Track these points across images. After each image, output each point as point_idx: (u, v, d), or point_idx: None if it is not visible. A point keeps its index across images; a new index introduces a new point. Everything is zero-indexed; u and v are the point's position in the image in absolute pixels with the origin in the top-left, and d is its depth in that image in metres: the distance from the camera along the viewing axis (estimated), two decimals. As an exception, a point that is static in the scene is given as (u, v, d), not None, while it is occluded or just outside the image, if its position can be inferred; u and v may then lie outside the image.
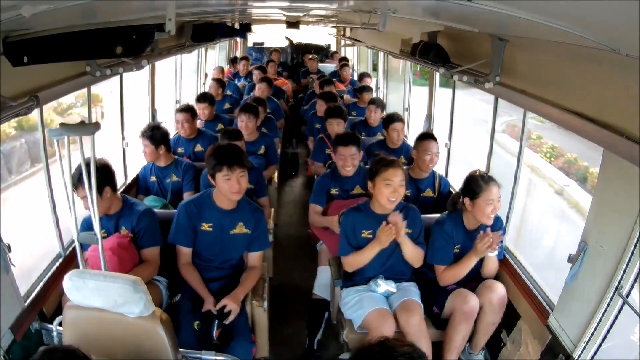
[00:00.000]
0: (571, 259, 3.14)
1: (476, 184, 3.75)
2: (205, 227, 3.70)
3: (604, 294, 2.86)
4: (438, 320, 3.81)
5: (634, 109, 2.18)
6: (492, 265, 3.90)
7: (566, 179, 7.67)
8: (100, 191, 3.33)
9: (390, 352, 1.80)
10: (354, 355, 1.96)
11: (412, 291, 3.84)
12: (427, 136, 4.90)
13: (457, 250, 3.86)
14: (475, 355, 3.92)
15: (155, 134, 4.95)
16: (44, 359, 1.99)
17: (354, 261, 3.82)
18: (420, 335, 3.56)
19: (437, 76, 6.50)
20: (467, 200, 3.80)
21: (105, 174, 3.53)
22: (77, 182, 3.18)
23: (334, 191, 4.83)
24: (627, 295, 2.75)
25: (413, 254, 3.83)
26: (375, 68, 11.55)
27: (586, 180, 7.20)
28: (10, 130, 6.45)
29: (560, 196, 7.49)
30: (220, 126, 7.08)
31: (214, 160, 3.56)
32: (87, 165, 2.78)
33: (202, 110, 6.83)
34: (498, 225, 3.93)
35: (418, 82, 8.89)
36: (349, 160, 4.74)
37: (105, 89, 6.89)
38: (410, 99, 8.48)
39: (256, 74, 9.24)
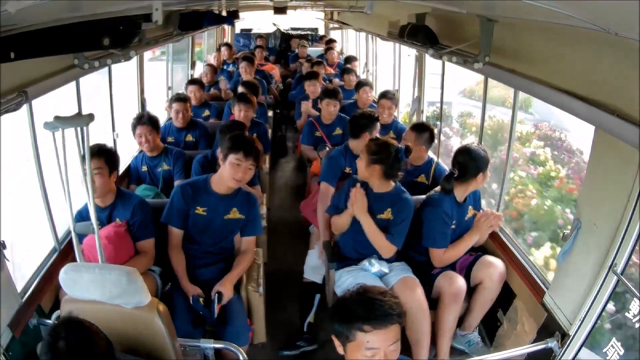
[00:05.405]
0: (565, 237, 3.16)
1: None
2: (200, 210, 3.72)
3: (599, 272, 2.88)
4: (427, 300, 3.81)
5: (625, 88, 2.20)
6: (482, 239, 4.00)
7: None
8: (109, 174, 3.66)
9: (366, 294, 2.14)
10: (336, 303, 2.25)
11: (407, 269, 3.88)
12: (422, 129, 4.82)
13: (454, 226, 3.88)
14: (470, 334, 3.95)
15: (155, 122, 5.02)
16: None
17: (337, 221, 3.95)
18: (422, 311, 3.59)
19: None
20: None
21: (111, 158, 3.73)
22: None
23: (348, 170, 4.77)
24: (622, 272, 2.77)
25: (373, 237, 3.81)
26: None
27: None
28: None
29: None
30: (206, 112, 7.10)
31: (231, 143, 3.57)
32: (83, 156, 2.81)
33: (194, 93, 6.96)
34: (476, 196, 4.01)
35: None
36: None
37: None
38: (400, 81, 8.46)
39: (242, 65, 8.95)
